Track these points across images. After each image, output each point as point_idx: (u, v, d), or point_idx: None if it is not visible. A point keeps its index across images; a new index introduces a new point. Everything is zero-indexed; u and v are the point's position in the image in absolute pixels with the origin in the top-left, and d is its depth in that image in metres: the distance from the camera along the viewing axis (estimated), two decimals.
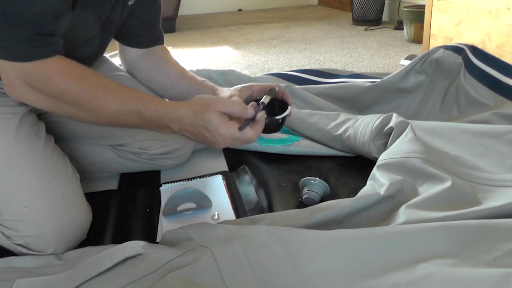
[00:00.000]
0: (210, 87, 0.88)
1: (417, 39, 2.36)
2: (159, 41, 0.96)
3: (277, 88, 0.82)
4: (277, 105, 0.84)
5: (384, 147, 0.93)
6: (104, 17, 0.78)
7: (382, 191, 0.75)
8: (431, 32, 1.97)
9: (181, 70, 0.93)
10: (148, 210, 0.87)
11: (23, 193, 0.70)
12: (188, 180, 0.97)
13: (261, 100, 0.77)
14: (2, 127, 0.71)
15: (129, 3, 0.84)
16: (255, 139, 0.70)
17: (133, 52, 0.94)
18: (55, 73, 0.65)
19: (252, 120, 0.71)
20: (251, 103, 0.74)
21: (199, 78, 0.91)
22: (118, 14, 0.82)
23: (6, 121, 0.72)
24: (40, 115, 0.85)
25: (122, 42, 0.94)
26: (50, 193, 0.72)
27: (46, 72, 0.65)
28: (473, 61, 1.21)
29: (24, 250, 0.71)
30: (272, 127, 0.80)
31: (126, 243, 0.64)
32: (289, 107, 0.81)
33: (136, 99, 0.69)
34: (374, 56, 2.16)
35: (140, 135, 0.94)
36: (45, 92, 0.66)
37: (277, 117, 0.78)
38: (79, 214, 0.75)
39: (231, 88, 0.84)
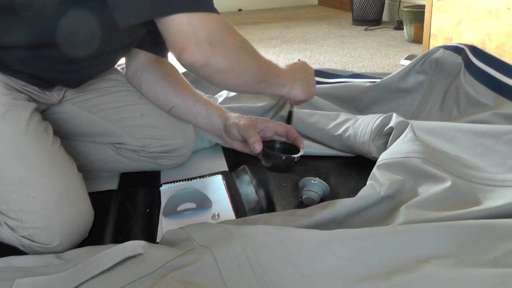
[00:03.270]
0: (216, 107, 0.92)
1: (417, 39, 2.36)
2: (162, 49, 0.95)
3: (289, 131, 0.89)
4: (287, 148, 0.89)
5: (384, 147, 0.93)
6: None
7: (382, 191, 0.74)
8: (431, 32, 1.97)
9: (188, 86, 0.95)
10: (148, 210, 0.87)
11: (31, 184, 0.71)
12: (188, 180, 0.97)
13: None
14: (14, 119, 0.72)
15: None
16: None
17: (142, 57, 0.93)
18: (230, 24, 0.68)
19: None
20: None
21: (205, 97, 0.94)
22: None
23: (17, 114, 0.73)
24: (41, 112, 0.85)
25: None
26: (57, 186, 0.73)
27: (228, 23, 0.68)
28: (473, 61, 1.21)
29: (27, 242, 0.71)
30: (287, 165, 0.84)
31: (126, 243, 0.64)
32: (301, 150, 0.86)
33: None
34: (374, 56, 2.16)
35: (139, 133, 0.94)
36: (233, 45, 0.68)
37: (294, 155, 0.82)
38: (84, 210, 0.76)
39: (246, 116, 0.88)
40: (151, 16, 0.63)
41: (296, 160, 0.83)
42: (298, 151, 0.85)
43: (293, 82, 0.81)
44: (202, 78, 0.71)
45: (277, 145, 0.90)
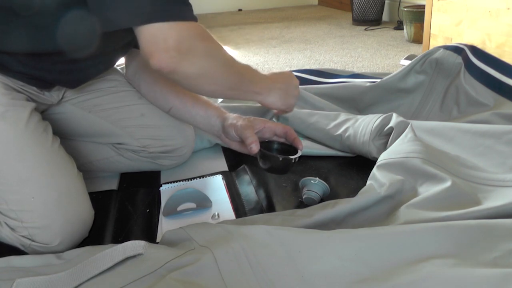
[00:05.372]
0: (215, 107, 0.91)
1: (417, 39, 2.36)
2: None
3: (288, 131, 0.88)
4: (285, 149, 0.88)
5: (384, 147, 0.93)
6: None
7: (382, 191, 0.75)
8: (431, 32, 1.97)
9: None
10: (148, 210, 0.87)
11: (31, 184, 0.71)
12: (188, 180, 0.97)
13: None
14: (13, 119, 0.72)
15: None
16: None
17: (141, 58, 0.93)
18: (205, 32, 0.70)
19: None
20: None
21: (204, 98, 0.94)
22: None
23: (17, 114, 0.73)
24: (41, 113, 0.85)
25: None
26: (57, 186, 0.73)
27: (203, 31, 0.69)
28: (473, 61, 1.21)
29: (27, 242, 0.71)
30: (284, 167, 0.83)
31: (126, 243, 0.64)
32: (299, 151, 0.85)
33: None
34: (374, 56, 2.16)
35: (139, 133, 0.94)
36: (203, 52, 0.69)
37: (292, 157, 0.81)
38: (84, 209, 0.76)
39: (244, 117, 0.87)
40: (128, 25, 0.64)
41: (293, 161, 0.82)
42: (297, 152, 0.85)
43: (270, 90, 0.82)
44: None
45: (275, 146, 0.89)
